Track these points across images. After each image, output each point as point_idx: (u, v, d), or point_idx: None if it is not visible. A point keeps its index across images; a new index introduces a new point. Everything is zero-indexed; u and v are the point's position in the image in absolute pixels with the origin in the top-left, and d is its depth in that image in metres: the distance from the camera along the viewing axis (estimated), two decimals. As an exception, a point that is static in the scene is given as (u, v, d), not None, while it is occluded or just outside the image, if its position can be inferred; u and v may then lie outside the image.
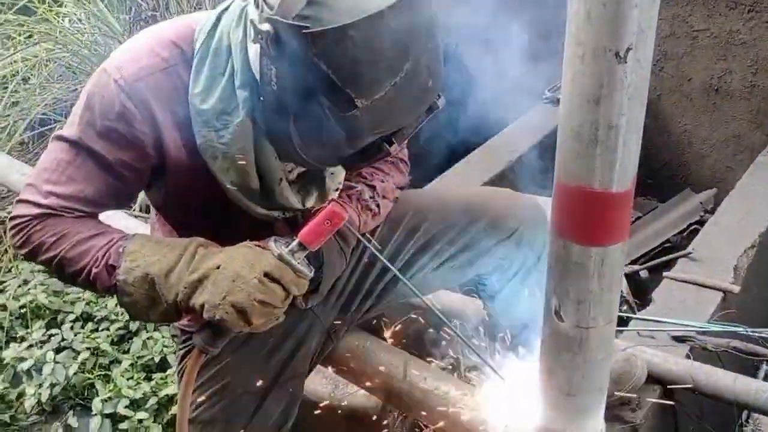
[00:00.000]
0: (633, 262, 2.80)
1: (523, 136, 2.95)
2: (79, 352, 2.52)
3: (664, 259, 2.32)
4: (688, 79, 3.21)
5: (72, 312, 2.69)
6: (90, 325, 2.67)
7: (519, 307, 1.46)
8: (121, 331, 2.64)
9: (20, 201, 1.23)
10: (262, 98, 1.10)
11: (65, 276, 1.23)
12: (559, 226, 1.00)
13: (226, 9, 1.17)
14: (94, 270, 1.18)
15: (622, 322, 2.00)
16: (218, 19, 1.16)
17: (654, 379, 1.67)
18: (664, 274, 2.08)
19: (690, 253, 2.12)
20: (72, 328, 2.64)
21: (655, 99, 3.34)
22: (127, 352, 2.59)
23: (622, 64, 0.85)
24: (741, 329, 1.77)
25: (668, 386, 1.69)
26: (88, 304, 2.74)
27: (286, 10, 0.98)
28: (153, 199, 1.35)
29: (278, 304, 1.12)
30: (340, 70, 0.97)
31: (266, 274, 1.10)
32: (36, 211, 1.20)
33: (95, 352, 2.57)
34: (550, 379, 1.11)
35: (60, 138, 1.21)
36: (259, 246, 1.15)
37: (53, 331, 2.60)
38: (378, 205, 1.43)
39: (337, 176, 1.34)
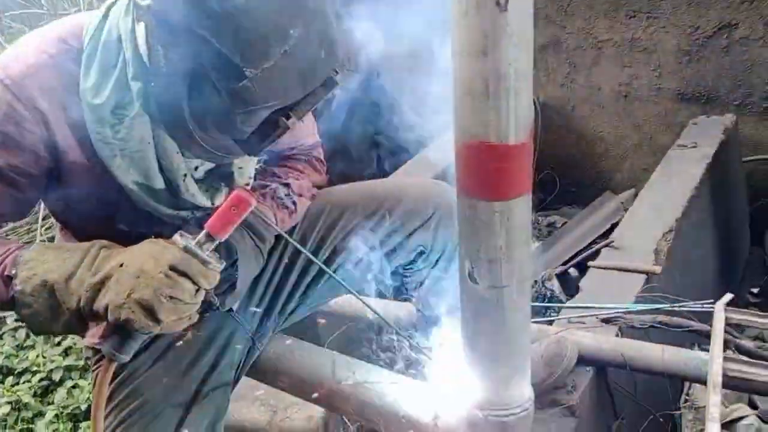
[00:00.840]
0: (563, 266, 2.85)
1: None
2: (-2, 408, 2.37)
3: (588, 253, 2.36)
4: (598, 88, 3.35)
5: (-9, 367, 2.54)
6: (11, 379, 2.52)
7: (445, 295, 1.45)
8: (45, 382, 2.51)
9: None
10: (153, 83, 1.07)
11: None
12: (462, 185, 1.00)
13: (115, 3, 1.15)
14: None
15: (553, 314, 2.03)
16: (107, 12, 1.14)
17: (586, 360, 1.68)
18: (589, 264, 2.12)
19: (611, 242, 2.18)
20: (-9, 382, 2.48)
21: (569, 110, 3.47)
22: (51, 403, 2.45)
23: (503, 12, 0.87)
24: (665, 305, 1.81)
25: (600, 366, 1.70)
26: (7, 357, 2.60)
27: None
28: (52, 207, 1.29)
29: (187, 299, 1.06)
30: (224, 38, 0.95)
31: (172, 268, 1.05)
32: None
33: (16, 406, 2.42)
34: (473, 347, 1.10)
35: None
36: (165, 241, 1.11)
37: (-31, 387, 2.44)
38: (294, 203, 1.41)
39: (245, 171, 1.31)
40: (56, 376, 2.48)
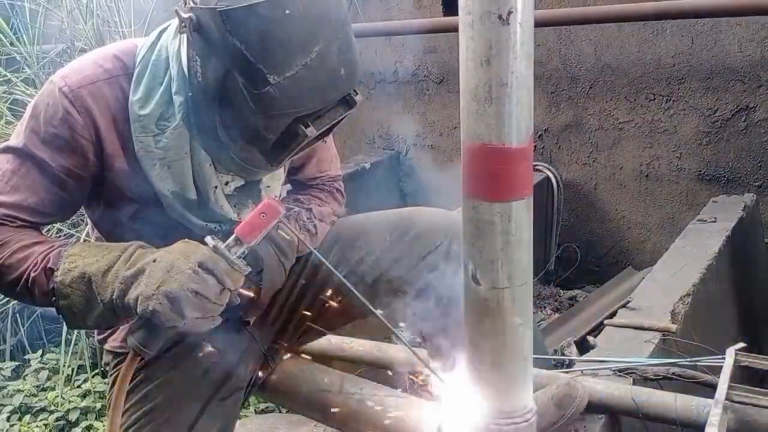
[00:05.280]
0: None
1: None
2: (13, 443, 2.40)
3: (605, 315, 2.36)
4: (620, 168, 3.44)
5: (10, 404, 2.58)
6: (28, 417, 2.56)
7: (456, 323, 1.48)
8: (61, 422, 2.53)
9: None
10: (191, 94, 1.19)
11: (4, 285, 1.22)
12: (467, 187, 1.07)
13: (166, 29, 1.29)
14: (32, 274, 1.19)
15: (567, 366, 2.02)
16: (158, 36, 1.28)
17: (598, 408, 1.67)
18: (605, 322, 2.12)
19: (629, 302, 2.18)
20: (9, 419, 2.52)
21: (591, 189, 3.55)
22: (66, 442, 2.47)
23: (506, 25, 0.98)
24: (680, 360, 1.80)
25: (613, 414, 1.68)
26: (28, 396, 2.64)
27: (207, 0, 1.10)
28: (93, 214, 1.38)
29: (212, 297, 1.11)
30: (252, 46, 1.06)
31: (200, 265, 1.11)
32: None
33: (31, 443, 2.44)
34: (475, 351, 1.13)
35: (5, 149, 1.26)
36: (196, 242, 1.18)
37: (-13, 421, 2.48)
38: (315, 227, 1.49)
39: (272, 189, 1.41)
40: (72, 417, 2.51)
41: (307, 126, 1.14)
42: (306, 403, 1.43)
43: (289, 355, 1.54)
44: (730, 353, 1.46)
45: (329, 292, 1.50)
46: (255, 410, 2.44)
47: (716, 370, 1.73)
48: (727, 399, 1.26)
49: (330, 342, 1.80)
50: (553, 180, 3.52)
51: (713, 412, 1.15)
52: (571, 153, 3.56)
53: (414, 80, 4.00)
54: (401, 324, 1.54)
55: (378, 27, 3.68)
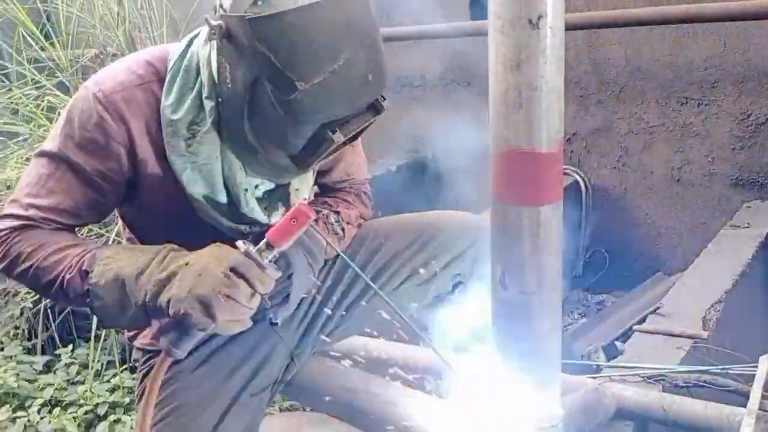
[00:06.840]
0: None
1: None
2: (43, 435, 2.45)
3: (635, 321, 2.33)
4: (650, 172, 3.39)
5: (41, 397, 2.64)
6: (58, 410, 2.61)
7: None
8: (89, 416, 2.58)
9: (2, 216, 1.29)
10: (221, 99, 1.20)
11: (40, 287, 1.25)
12: (495, 191, 1.07)
13: (197, 35, 1.31)
14: (67, 276, 1.21)
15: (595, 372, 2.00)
16: (190, 42, 1.30)
17: (626, 414, 1.65)
18: (634, 327, 2.10)
19: (659, 308, 2.16)
20: (39, 411, 2.58)
21: (621, 193, 3.50)
22: (94, 436, 2.51)
23: (536, 30, 0.97)
24: (711, 367, 1.77)
25: (641, 422, 1.66)
26: (58, 390, 2.70)
27: (236, 8, 1.12)
28: (125, 215, 1.41)
29: (243, 301, 1.13)
30: (280, 53, 1.08)
31: (233, 269, 1.13)
32: (16, 223, 1.26)
33: (60, 435, 2.49)
34: (504, 355, 1.12)
35: (41, 154, 1.29)
36: (228, 246, 1.19)
37: (20, 413, 2.54)
38: (343, 229, 1.50)
39: (301, 192, 1.42)
40: (101, 411, 2.55)
41: (334, 131, 1.15)
42: (331, 403, 1.43)
43: (315, 354, 1.55)
44: (764, 361, 1.43)
45: (356, 294, 1.51)
46: (280, 408, 2.45)
47: (749, 379, 1.70)
48: (760, 408, 1.23)
49: (355, 343, 1.80)
50: (582, 184, 3.48)
51: (746, 421, 1.13)
52: (601, 157, 3.51)
53: (441, 84, 3.99)
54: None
55: (405, 31, 3.67)
